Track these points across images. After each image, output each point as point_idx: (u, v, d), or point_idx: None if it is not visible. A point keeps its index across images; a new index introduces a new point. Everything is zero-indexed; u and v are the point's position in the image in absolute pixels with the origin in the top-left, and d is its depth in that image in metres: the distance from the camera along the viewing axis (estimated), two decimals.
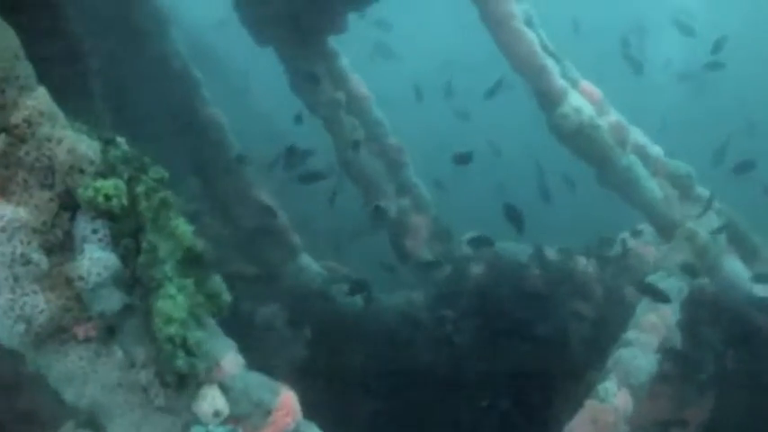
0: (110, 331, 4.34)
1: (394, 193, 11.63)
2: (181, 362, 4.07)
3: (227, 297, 4.38)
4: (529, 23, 9.14)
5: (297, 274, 11.64)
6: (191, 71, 12.28)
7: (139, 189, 4.25)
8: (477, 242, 10.64)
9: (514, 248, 10.80)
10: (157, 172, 4.46)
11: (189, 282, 4.25)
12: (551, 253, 10.68)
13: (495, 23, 8.85)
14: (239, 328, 10.71)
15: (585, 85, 9.41)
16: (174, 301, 4.04)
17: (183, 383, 4.18)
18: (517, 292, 10.63)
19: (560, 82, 9.07)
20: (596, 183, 9.69)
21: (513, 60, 8.97)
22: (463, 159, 10.70)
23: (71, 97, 10.17)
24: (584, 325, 10.28)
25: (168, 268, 4.12)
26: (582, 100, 9.15)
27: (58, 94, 10.05)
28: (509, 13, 8.78)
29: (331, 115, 11.13)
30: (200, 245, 4.28)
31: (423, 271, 11.03)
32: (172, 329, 4.02)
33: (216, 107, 12.30)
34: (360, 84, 11.43)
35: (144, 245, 4.12)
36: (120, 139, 4.49)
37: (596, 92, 9.42)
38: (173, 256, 4.19)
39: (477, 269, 11.03)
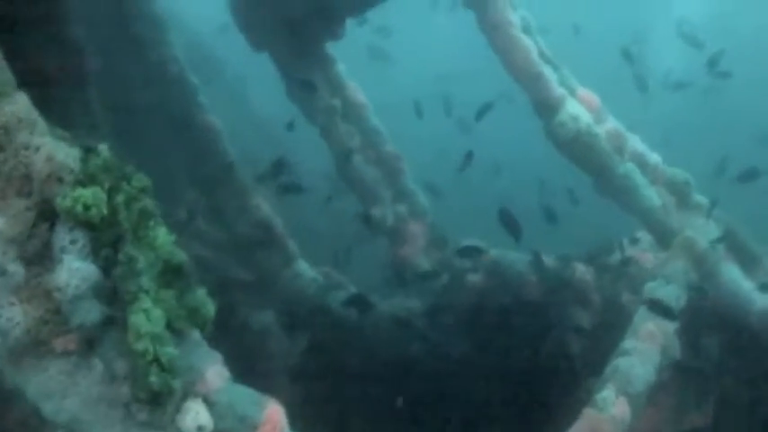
0: (90, 344, 4.21)
1: (390, 201, 11.46)
2: (153, 378, 3.93)
3: (209, 310, 4.22)
4: (526, 30, 9.01)
5: (292, 281, 11.50)
6: (187, 77, 12.16)
7: (119, 198, 4.12)
8: (468, 252, 10.49)
9: (512, 256, 10.64)
10: (140, 180, 4.32)
11: (169, 294, 4.10)
12: (549, 260, 10.52)
13: (492, 30, 8.73)
14: (235, 334, 10.94)
15: (583, 92, 9.27)
16: (146, 315, 3.91)
17: (158, 401, 4.02)
18: (515, 300, 10.46)
19: (558, 90, 8.93)
20: (594, 191, 9.52)
21: (509, 68, 8.84)
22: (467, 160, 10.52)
23: (69, 105, 10.27)
24: (582, 333, 10.09)
25: (145, 281, 3.98)
26: (580, 108, 9.01)
27: (55, 102, 10.08)
28: (506, 20, 8.66)
29: (327, 122, 11.02)
30: (179, 256, 4.12)
31: (419, 282, 10.87)
32: (141, 345, 3.89)
33: (212, 114, 12.16)
34: (357, 91, 11.31)
35: (120, 256, 3.98)
36: (102, 147, 4.35)
37: (594, 99, 9.27)
38: (152, 268, 4.05)
39: (474, 277, 10.87)
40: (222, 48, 17.40)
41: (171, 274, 4.14)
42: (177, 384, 4.06)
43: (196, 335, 4.46)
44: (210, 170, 12.00)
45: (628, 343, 8.02)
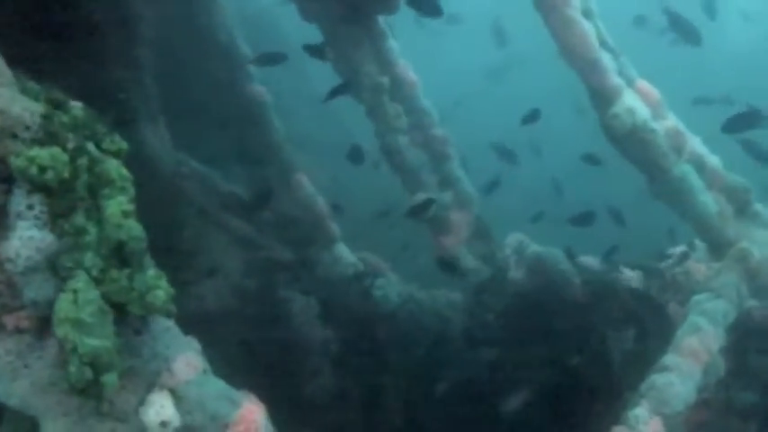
0: (44, 323, 3.76)
1: (436, 186, 10.89)
2: (72, 369, 3.46)
3: (158, 296, 3.67)
4: (587, 13, 8.27)
5: (331, 264, 11.14)
6: (238, 45, 11.82)
7: (81, 161, 3.65)
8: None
9: (557, 254, 10.01)
10: (114, 143, 3.86)
11: (122, 275, 3.60)
12: (595, 263, 9.87)
13: (549, 9, 8.02)
14: (274, 316, 10.62)
15: (643, 84, 8.49)
16: (74, 297, 3.43)
17: (85, 393, 3.55)
18: (557, 301, 9.86)
19: (615, 79, 8.18)
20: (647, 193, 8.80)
21: (564, 51, 8.13)
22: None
23: (119, 66, 9.98)
24: (625, 341, 9.44)
25: (90, 257, 3.51)
26: (637, 100, 8.25)
27: (107, 61, 9.82)
28: (564, 0, 7.95)
29: (374, 100, 10.46)
30: (130, 230, 3.60)
31: (446, 272, 10.35)
32: (60, 331, 3.42)
33: (261, 85, 11.80)
34: (407, 69, 10.74)
35: (67, 226, 3.51)
36: (76, 104, 3.89)
37: (654, 92, 8.49)
38: (103, 244, 3.57)
39: (517, 274, 10.28)
40: (282, 22, 16.96)
41: (124, 251, 3.62)
42: (109, 379, 3.56)
43: (164, 320, 3.98)
44: (257, 145, 11.65)
45: (668, 358, 7.35)
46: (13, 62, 3.96)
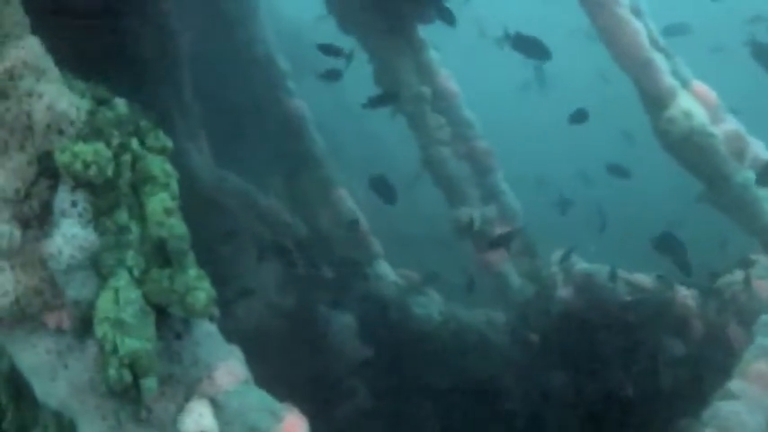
0: (85, 323, 3.72)
1: (479, 200, 10.77)
2: (111, 371, 3.40)
3: (199, 298, 3.58)
4: (636, 12, 8.14)
5: (372, 282, 10.94)
6: (276, 60, 11.89)
7: (124, 158, 3.63)
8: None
9: (606, 271, 9.79)
10: (158, 139, 3.83)
11: (164, 275, 3.55)
12: (647, 280, 9.62)
13: (596, 7, 7.90)
14: (314, 333, 10.55)
15: (699, 86, 8.31)
16: (114, 296, 3.38)
17: (125, 397, 3.49)
18: (606, 321, 9.62)
19: (669, 80, 8.02)
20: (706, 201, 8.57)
21: (614, 51, 8.00)
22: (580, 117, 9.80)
23: (160, 81, 10.07)
24: (678, 365, 9.17)
25: (132, 255, 3.46)
26: (694, 103, 8.06)
27: (147, 77, 9.91)
28: None
29: (415, 111, 10.40)
30: (168, 229, 3.55)
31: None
32: (100, 331, 3.36)
33: (301, 99, 11.82)
34: (449, 79, 10.66)
35: (109, 223, 3.48)
36: (120, 100, 3.87)
37: (711, 95, 8.29)
38: (145, 242, 3.53)
39: (564, 292, 10.06)
40: (320, 38, 17.06)
41: (166, 250, 3.57)
42: (149, 383, 3.49)
43: (207, 324, 3.92)
44: (296, 159, 11.64)
45: (734, 384, 6.97)
46: None
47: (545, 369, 10.00)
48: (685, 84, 8.26)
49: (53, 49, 8.37)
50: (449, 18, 9.53)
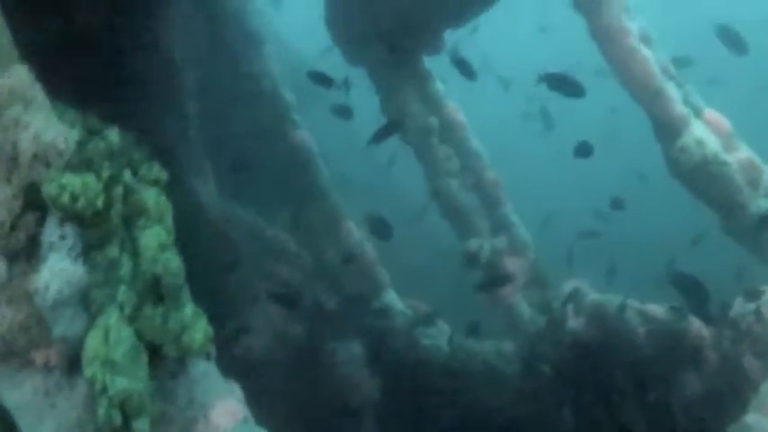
0: (74, 360, 3.51)
1: (488, 232, 10.56)
2: (101, 412, 3.18)
3: (195, 337, 3.37)
4: (646, 40, 7.99)
5: (380, 312, 10.72)
6: (281, 93, 11.76)
7: (117, 190, 3.43)
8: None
9: (618, 302, 9.55)
10: (152, 171, 3.64)
11: (157, 312, 3.34)
12: (660, 311, 9.36)
13: (606, 39, 7.77)
14: (320, 363, 10.34)
15: (711, 114, 8.12)
16: (104, 335, 3.17)
17: None
18: (618, 352, 9.36)
19: (681, 109, 7.84)
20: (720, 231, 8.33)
21: (626, 82, 7.84)
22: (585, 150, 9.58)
23: (166, 116, 9.98)
24: (692, 397, 8.89)
25: (123, 291, 3.26)
26: (706, 131, 7.87)
27: (153, 112, 9.85)
28: (622, 29, 7.69)
29: (422, 142, 10.24)
30: (163, 264, 3.34)
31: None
32: (89, 371, 3.16)
33: (308, 132, 11.68)
34: (456, 111, 10.52)
35: (99, 258, 3.29)
36: (113, 130, 3.70)
37: (724, 123, 8.11)
38: (138, 278, 3.33)
39: (575, 323, 9.82)
40: (326, 69, 17.00)
41: (160, 287, 3.36)
42: (141, 425, 3.26)
43: (204, 362, 3.70)
44: (301, 190, 11.46)
45: (751, 418, 6.74)
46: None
47: (556, 401, 9.76)
48: (697, 112, 8.08)
49: (56, 79, 8.36)
50: (469, 73, 9.38)
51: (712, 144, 7.86)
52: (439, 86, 10.48)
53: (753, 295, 8.57)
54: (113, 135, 3.64)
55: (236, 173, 10.19)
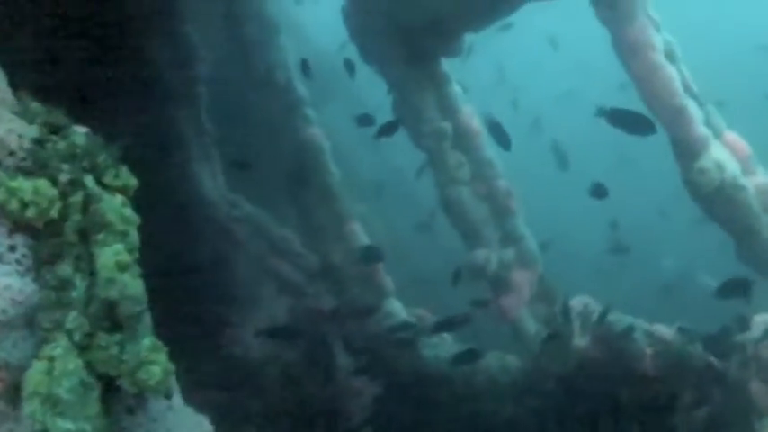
0: (18, 389, 3.06)
1: (497, 243, 10.09)
2: None
3: (154, 372, 2.88)
4: (670, 57, 7.50)
5: (383, 320, 10.30)
6: (295, 86, 11.33)
7: (74, 198, 2.98)
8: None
9: (626, 322, 9.10)
10: (120, 177, 3.18)
11: (113, 341, 2.88)
12: (668, 332, 8.94)
13: (630, 53, 7.29)
14: (320, 370, 9.96)
15: (731, 136, 7.65)
16: (48, 367, 2.72)
17: None
18: (624, 373, 8.95)
19: (701, 129, 7.38)
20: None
21: (647, 97, 7.37)
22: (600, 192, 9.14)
23: (179, 102, 9.64)
24: (696, 421, 8.58)
25: (74, 316, 2.81)
26: (726, 154, 7.40)
27: (167, 98, 9.51)
28: (647, 43, 7.21)
29: (434, 147, 9.78)
30: (120, 288, 2.88)
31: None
32: (28, 408, 2.72)
33: (318, 128, 11.25)
34: (471, 117, 10.07)
35: (49, 277, 2.84)
36: (79, 129, 3.24)
37: (743, 146, 7.64)
38: (92, 301, 2.88)
39: (582, 341, 9.38)
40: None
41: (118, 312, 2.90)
42: None
43: (173, 395, 3.24)
44: (310, 189, 11.05)
45: None
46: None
47: (559, 418, 9.45)
48: (717, 133, 7.59)
49: (72, 72, 8.02)
50: (505, 141, 8.99)
51: (731, 167, 7.41)
52: (456, 90, 10.02)
53: (741, 324, 8.21)
54: (78, 135, 3.17)
55: (237, 170, 9.79)
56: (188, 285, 9.79)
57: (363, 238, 10.69)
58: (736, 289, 7.56)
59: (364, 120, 9.82)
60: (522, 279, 10.09)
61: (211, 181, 10.70)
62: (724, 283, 7.73)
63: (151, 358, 2.82)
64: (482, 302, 9.80)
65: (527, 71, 25.80)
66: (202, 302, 10.17)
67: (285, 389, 9.96)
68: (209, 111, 10.70)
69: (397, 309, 10.41)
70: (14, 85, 3.30)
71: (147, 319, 2.97)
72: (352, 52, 10.73)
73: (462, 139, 10.02)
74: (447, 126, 9.79)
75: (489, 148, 10.21)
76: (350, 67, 9.73)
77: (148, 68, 9.55)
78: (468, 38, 9.84)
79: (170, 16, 9.96)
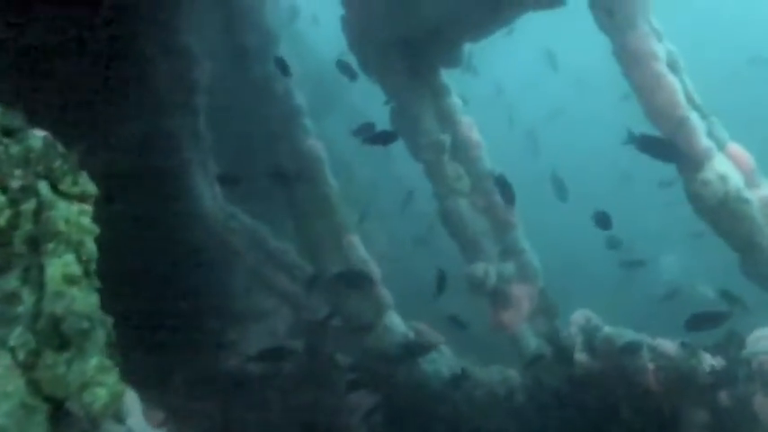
0: None
1: (496, 256, 9.81)
2: None
3: (100, 395, 2.62)
4: (673, 67, 7.24)
5: (381, 333, 10.03)
6: (293, 97, 11.11)
7: (26, 205, 2.74)
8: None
9: (628, 336, 8.82)
10: (77, 184, 2.93)
11: (59, 359, 2.62)
12: (671, 347, 8.65)
13: (632, 62, 7.03)
14: (317, 383, 9.70)
15: (734, 148, 7.38)
16: None
17: None
18: (626, 388, 8.65)
19: (704, 141, 7.10)
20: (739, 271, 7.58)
21: (649, 108, 7.10)
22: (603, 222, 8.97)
23: (177, 112, 9.46)
24: None
25: (18, 333, 2.56)
26: (729, 166, 7.13)
27: (165, 108, 9.35)
28: (649, 52, 6.95)
29: (433, 159, 9.53)
30: (68, 303, 2.62)
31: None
32: None
33: (317, 139, 11.04)
34: (471, 128, 9.82)
35: None
36: (36, 133, 3.00)
37: (747, 158, 7.37)
38: (40, 317, 2.63)
39: (583, 356, 9.10)
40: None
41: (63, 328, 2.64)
42: None
43: (126, 419, 2.98)
44: (309, 201, 10.81)
45: None
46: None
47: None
48: (721, 145, 7.33)
49: (71, 77, 7.85)
50: (510, 196, 8.97)
51: (735, 180, 7.13)
52: (455, 101, 9.78)
53: (731, 341, 7.94)
54: (34, 138, 2.93)
55: (226, 185, 9.61)
56: (186, 298, 9.63)
57: (362, 251, 10.40)
58: (708, 322, 7.32)
59: (364, 129, 9.59)
60: (522, 293, 9.80)
61: (209, 192, 10.52)
62: (695, 316, 7.51)
63: (97, 379, 2.56)
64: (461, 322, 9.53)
65: (524, 87, 25.67)
66: (200, 315, 10.03)
67: (283, 403, 9.87)
68: (207, 121, 10.51)
69: (396, 322, 10.12)
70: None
71: (99, 336, 2.71)
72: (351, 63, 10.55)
73: (461, 150, 9.78)
74: (445, 138, 9.55)
75: (488, 160, 9.97)
76: (345, 69, 9.50)
77: (147, 79, 9.37)
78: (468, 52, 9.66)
79: (168, 26, 9.78)
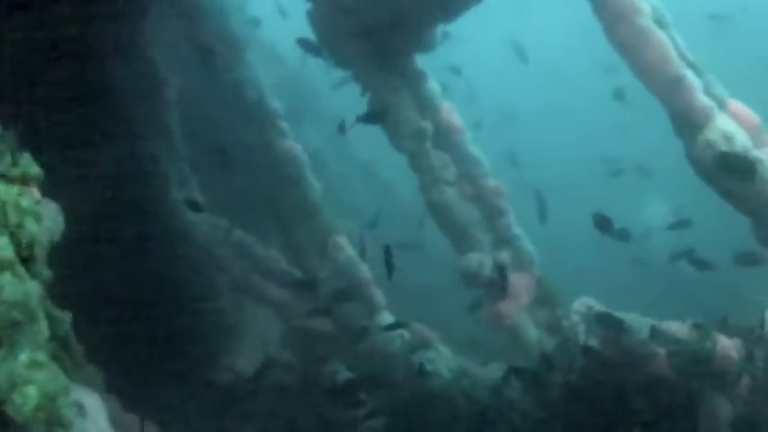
0: None
1: (489, 245, 9.26)
2: None
3: (29, 395, 2.09)
4: (660, 23, 6.64)
5: (375, 335, 9.62)
6: (267, 101, 10.66)
7: None
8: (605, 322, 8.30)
9: (637, 321, 8.28)
10: (17, 165, 2.43)
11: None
12: (683, 329, 8.09)
13: (614, 19, 6.42)
14: (313, 389, 9.14)
15: (737, 105, 6.79)
16: None
17: None
18: (638, 375, 8.10)
19: (704, 99, 6.50)
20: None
21: (638, 68, 6.50)
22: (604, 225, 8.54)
23: (148, 127, 9.11)
24: (721, 426, 7.72)
25: None
26: (733, 124, 6.54)
27: (136, 122, 9.00)
28: (632, 7, 6.34)
29: (415, 149, 9.01)
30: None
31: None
32: None
33: (294, 141, 10.57)
34: (452, 113, 9.30)
35: None
36: None
37: (751, 115, 6.78)
38: None
39: (589, 345, 8.57)
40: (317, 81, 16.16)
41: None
42: None
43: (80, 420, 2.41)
44: (291, 205, 10.48)
45: None
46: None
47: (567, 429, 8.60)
48: (721, 103, 6.73)
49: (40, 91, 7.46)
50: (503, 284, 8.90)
51: (741, 138, 6.54)
52: (433, 86, 9.27)
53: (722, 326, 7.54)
54: None
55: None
56: (174, 313, 9.21)
57: (350, 251, 9.96)
58: None
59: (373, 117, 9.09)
60: (520, 283, 9.27)
61: None
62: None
63: (27, 378, 2.01)
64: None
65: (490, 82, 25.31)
66: (190, 330, 9.62)
67: (279, 413, 9.52)
68: (180, 130, 10.11)
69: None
70: None
71: (36, 330, 2.15)
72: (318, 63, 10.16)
73: (444, 137, 9.29)
74: (427, 125, 9.03)
75: (473, 145, 9.46)
76: (307, 46, 9.03)
77: (116, 99, 8.95)
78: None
79: (133, 44, 9.38)
